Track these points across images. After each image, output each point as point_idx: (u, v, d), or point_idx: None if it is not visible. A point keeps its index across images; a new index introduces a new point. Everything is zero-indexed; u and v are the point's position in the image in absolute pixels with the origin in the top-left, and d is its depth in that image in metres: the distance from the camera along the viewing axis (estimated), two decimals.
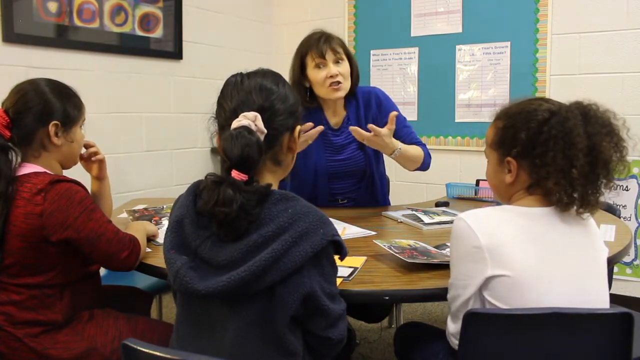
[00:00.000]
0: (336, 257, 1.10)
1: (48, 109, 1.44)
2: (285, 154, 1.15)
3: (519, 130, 1.18)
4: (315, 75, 2.03)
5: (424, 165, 2.13)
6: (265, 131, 1.05)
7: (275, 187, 1.12)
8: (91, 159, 1.69)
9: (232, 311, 1.03)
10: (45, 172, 1.42)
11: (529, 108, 1.20)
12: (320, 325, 1.08)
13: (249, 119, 1.03)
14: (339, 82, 2.02)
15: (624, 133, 1.17)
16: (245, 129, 1.02)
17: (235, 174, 1.02)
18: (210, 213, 1.02)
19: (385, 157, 2.16)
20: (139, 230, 1.58)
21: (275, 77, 1.16)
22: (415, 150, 2.08)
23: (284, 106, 1.11)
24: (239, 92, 1.10)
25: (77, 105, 1.51)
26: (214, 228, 1.03)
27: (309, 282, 1.02)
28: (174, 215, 1.10)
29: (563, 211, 1.16)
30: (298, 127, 1.15)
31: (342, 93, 2.06)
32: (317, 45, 2.02)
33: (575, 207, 1.15)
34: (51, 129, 1.43)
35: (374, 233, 1.78)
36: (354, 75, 2.11)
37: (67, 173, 1.52)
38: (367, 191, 2.23)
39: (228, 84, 1.13)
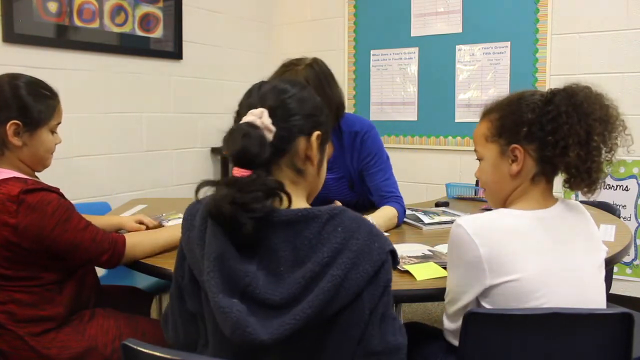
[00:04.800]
0: None
1: (8, 107, 1.38)
2: (303, 162, 1.01)
3: (523, 113, 1.17)
4: None
5: (397, 225, 1.89)
6: (273, 129, 0.95)
7: (301, 202, 1.02)
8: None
9: (286, 350, 0.92)
10: (16, 177, 1.36)
11: (522, 95, 1.21)
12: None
13: (255, 115, 0.95)
14: None
15: (610, 101, 1.21)
16: (247, 123, 0.93)
17: (236, 171, 0.91)
18: (215, 218, 0.91)
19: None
20: (142, 233, 1.56)
21: (296, 82, 1.06)
22: (387, 214, 1.86)
23: (299, 107, 1.00)
24: (255, 96, 1.02)
25: (50, 107, 1.44)
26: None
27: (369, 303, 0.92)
28: (213, 250, 0.91)
29: (573, 189, 1.17)
30: (316, 133, 1.01)
31: None
32: None
33: (583, 185, 1.16)
34: (9, 128, 1.38)
35: None
36: (332, 108, 1.75)
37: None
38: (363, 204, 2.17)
39: (248, 91, 1.05)
